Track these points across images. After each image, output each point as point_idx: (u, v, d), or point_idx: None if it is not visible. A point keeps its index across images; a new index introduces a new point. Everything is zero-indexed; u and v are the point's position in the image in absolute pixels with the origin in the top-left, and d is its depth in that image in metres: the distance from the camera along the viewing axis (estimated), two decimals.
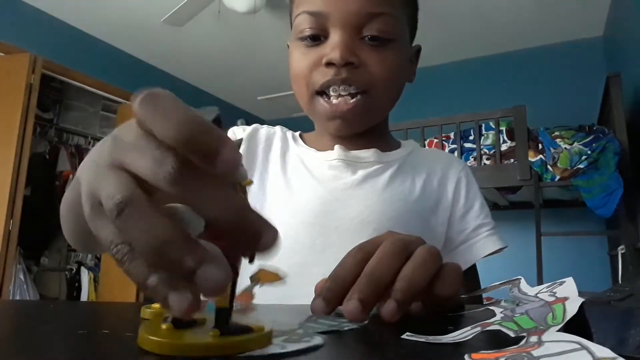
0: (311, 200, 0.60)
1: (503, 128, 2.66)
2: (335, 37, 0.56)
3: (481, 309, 0.32)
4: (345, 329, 0.28)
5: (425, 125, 2.83)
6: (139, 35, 3.71)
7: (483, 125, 2.73)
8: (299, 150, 0.67)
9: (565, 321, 0.21)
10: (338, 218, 0.58)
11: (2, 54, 3.06)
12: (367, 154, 0.63)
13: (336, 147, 0.63)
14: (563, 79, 3.59)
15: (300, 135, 0.70)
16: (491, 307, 0.30)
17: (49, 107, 3.87)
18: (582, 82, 3.47)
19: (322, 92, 0.58)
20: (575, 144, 2.44)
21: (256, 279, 0.33)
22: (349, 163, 0.62)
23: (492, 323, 0.25)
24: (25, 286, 3.03)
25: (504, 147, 2.64)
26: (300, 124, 0.74)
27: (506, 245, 0.64)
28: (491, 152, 2.67)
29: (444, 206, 0.64)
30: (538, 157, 2.51)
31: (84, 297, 3.57)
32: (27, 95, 2.92)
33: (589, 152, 2.38)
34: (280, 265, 0.49)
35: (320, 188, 0.61)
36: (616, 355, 0.16)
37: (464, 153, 2.73)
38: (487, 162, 2.66)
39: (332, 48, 0.56)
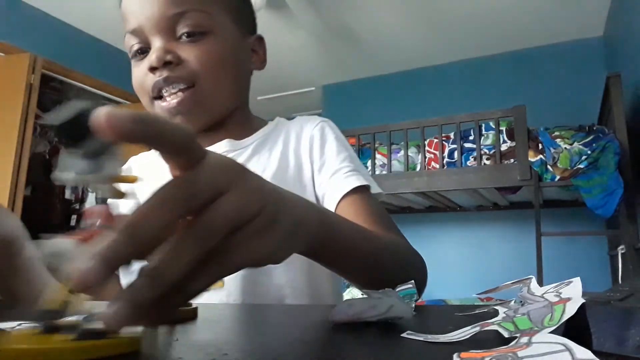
0: None
1: (503, 128, 2.66)
2: (154, 44, 0.61)
3: (486, 309, 0.32)
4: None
5: (425, 125, 2.83)
6: None
7: (483, 125, 2.73)
8: (158, 160, 0.70)
9: (560, 322, 0.21)
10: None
11: (2, 54, 3.07)
12: (219, 146, 0.66)
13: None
14: (563, 79, 3.59)
15: None
16: (496, 307, 0.30)
17: (49, 107, 3.87)
18: (582, 82, 3.47)
19: (159, 96, 0.62)
20: (575, 144, 2.44)
21: None
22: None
23: (492, 323, 0.25)
24: None
25: (504, 147, 2.64)
26: None
27: (367, 184, 0.62)
28: (491, 152, 2.67)
29: (305, 169, 0.66)
30: (538, 157, 2.51)
31: None
32: (27, 95, 2.92)
33: (589, 152, 2.38)
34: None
35: None
36: (595, 358, 0.16)
37: (464, 153, 2.73)
38: (487, 162, 2.66)
39: (151, 54, 0.61)
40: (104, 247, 0.20)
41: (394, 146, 2.92)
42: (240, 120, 0.71)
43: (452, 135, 2.82)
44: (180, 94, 0.61)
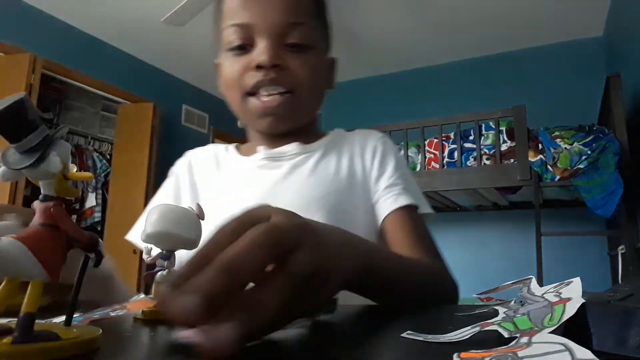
0: (246, 200, 0.64)
1: (503, 128, 2.66)
2: (262, 44, 0.62)
3: (486, 309, 0.32)
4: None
5: (425, 125, 2.83)
6: (139, 35, 3.71)
7: (483, 125, 2.73)
8: (231, 162, 0.74)
9: (560, 322, 0.21)
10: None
11: (2, 54, 3.07)
12: (290, 147, 0.69)
13: (260, 148, 0.69)
14: (563, 79, 3.59)
15: (238, 146, 0.78)
16: (496, 307, 0.30)
17: (49, 107, 3.87)
18: (582, 82, 3.48)
19: (253, 93, 0.64)
20: (575, 144, 2.44)
21: None
22: (274, 159, 0.69)
23: (492, 323, 0.25)
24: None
25: (504, 147, 2.64)
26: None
27: (415, 204, 0.64)
28: (491, 152, 2.67)
29: (365, 177, 0.68)
30: (538, 157, 2.51)
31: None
32: (27, 95, 2.92)
33: (589, 152, 2.38)
34: None
35: (253, 188, 0.67)
36: (595, 358, 0.16)
37: (464, 153, 2.73)
38: (487, 162, 2.66)
39: (261, 53, 0.61)
40: (206, 283, 0.21)
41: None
42: (310, 129, 0.75)
43: (452, 135, 2.82)
44: (278, 97, 0.63)
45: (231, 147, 0.77)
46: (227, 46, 0.65)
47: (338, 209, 0.63)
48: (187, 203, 0.71)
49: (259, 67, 0.61)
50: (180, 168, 0.77)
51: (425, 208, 0.67)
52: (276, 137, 0.69)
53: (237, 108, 0.68)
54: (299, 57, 0.63)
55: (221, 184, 0.71)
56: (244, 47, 0.63)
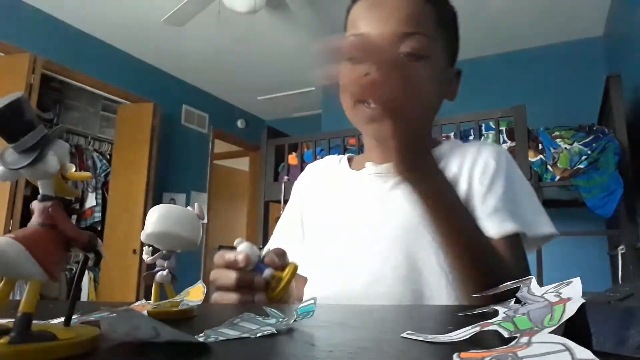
0: (352, 212, 0.71)
1: (503, 128, 2.66)
2: None
3: (486, 309, 0.32)
4: (258, 335, 0.27)
5: None
6: (139, 35, 3.71)
7: (483, 125, 2.73)
8: (341, 173, 0.79)
9: (560, 322, 0.21)
10: (374, 224, 0.68)
11: (2, 54, 3.07)
12: None
13: (367, 164, 0.73)
14: (563, 79, 3.59)
15: (350, 158, 0.82)
16: (496, 307, 0.30)
17: (49, 107, 3.87)
18: (582, 82, 3.47)
19: (362, 100, 0.66)
20: (575, 144, 2.44)
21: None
22: (380, 175, 0.72)
23: (492, 323, 0.25)
24: (25, 286, 3.03)
25: (504, 147, 2.64)
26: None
27: (520, 231, 0.64)
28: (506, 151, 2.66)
29: (470, 192, 0.68)
30: (538, 157, 2.51)
31: (84, 297, 3.58)
32: (27, 95, 2.92)
33: (589, 152, 2.38)
34: (335, 266, 0.67)
35: (358, 201, 0.72)
36: (595, 358, 0.16)
37: None
38: None
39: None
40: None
41: None
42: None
43: (452, 135, 2.82)
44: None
45: (344, 159, 0.82)
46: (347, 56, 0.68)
47: None
48: (301, 211, 0.79)
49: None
50: (297, 181, 0.85)
51: (542, 228, 0.67)
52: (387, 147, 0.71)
53: (349, 112, 0.71)
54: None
55: (329, 193, 0.77)
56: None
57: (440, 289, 0.63)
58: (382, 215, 0.68)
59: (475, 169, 0.70)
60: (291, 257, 0.73)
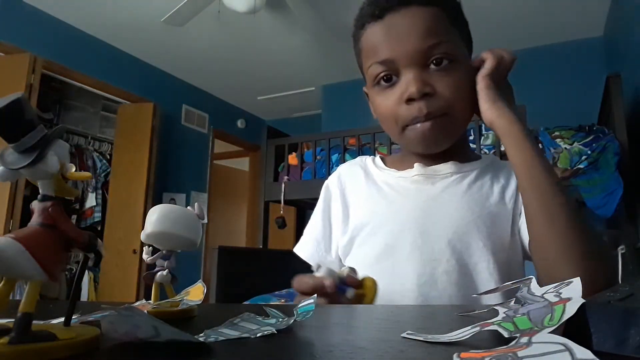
0: (399, 213, 0.70)
1: None
2: (408, 75, 0.64)
3: (486, 309, 0.32)
4: (258, 335, 0.27)
5: None
6: (139, 35, 3.71)
7: (483, 125, 2.73)
8: (381, 174, 0.78)
9: (560, 322, 0.21)
10: (422, 226, 0.67)
11: (2, 54, 3.07)
12: (445, 166, 0.71)
13: (416, 164, 0.72)
14: (563, 79, 3.59)
15: (383, 159, 0.82)
16: (496, 307, 0.30)
17: (49, 107, 3.87)
18: (582, 82, 3.47)
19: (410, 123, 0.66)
20: (575, 144, 2.44)
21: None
22: (428, 177, 0.71)
23: (492, 323, 0.25)
24: (25, 286, 3.03)
25: (504, 147, 2.64)
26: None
27: None
28: (491, 152, 2.66)
29: (517, 212, 0.68)
30: None
31: (84, 297, 3.57)
32: (27, 95, 2.92)
33: (589, 152, 2.38)
34: (384, 268, 0.67)
35: (405, 202, 0.71)
36: (595, 358, 0.16)
37: None
38: None
39: (408, 84, 0.63)
40: None
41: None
42: (463, 145, 0.77)
43: None
44: (435, 125, 0.64)
45: (377, 160, 0.81)
46: (373, 81, 0.68)
47: (491, 232, 0.66)
48: (337, 213, 0.77)
49: (409, 99, 0.63)
50: (331, 181, 0.82)
51: None
52: (428, 155, 0.72)
53: (396, 137, 0.71)
54: (446, 76, 0.64)
55: (374, 194, 0.75)
56: (390, 79, 0.66)
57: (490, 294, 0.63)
58: (433, 218, 0.68)
59: (509, 185, 0.71)
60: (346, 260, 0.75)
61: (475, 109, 0.67)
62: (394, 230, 0.69)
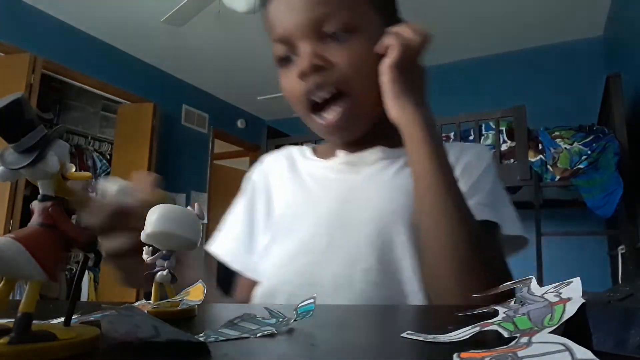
0: (316, 207, 0.64)
1: (503, 128, 2.66)
2: (302, 49, 0.59)
3: (486, 309, 0.32)
4: (258, 335, 0.27)
5: None
6: (139, 35, 3.71)
7: (483, 125, 2.73)
8: (307, 164, 0.71)
9: (560, 322, 0.21)
10: (340, 221, 0.61)
11: (2, 54, 3.07)
12: (371, 152, 0.65)
13: (340, 152, 0.67)
14: (563, 79, 3.59)
15: (315, 148, 0.75)
16: (496, 307, 0.30)
17: (49, 107, 3.87)
18: (582, 82, 3.48)
19: (315, 107, 0.60)
20: (575, 144, 2.44)
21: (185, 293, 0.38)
22: (353, 165, 0.65)
23: (492, 323, 0.25)
24: (25, 286, 3.03)
25: (504, 147, 2.64)
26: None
27: (497, 223, 0.58)
28: (492, 152, 2.67)
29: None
30: (538, 157, 2.51)
31: (84, 297, 3.58)
32: (27, 95, 2.92)
33: (589, 152, 2.38)
34: (297, 267, 0.59)
35: (324, 194, 0.65)
36: (595, 358, 0.16)
37: None
38: None
39: (301, 60, 0.59)
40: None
41: None
42: (392, 127, 0.68)
43: (452, 135, 2.82)
44: (337, 110, 0.59)
45: (307, 149, 0.74)
46: (277, 62, 0.64)
47: (408, 225, 0.58)
48: (261, 209, 0.70)
49: (302, 75, 0.58)
50: (255, 173, 0.75)
51: (516, 229, 0.60)
52: (356, 140, 0.65)
53: (306, 122, 0.65)
54: (344, 47, 0.58)
55: (295, 187, 0.69)
56: (290, 59, 0.61)
57: (414, 294, 0.57)
58: (352, 211, 0.61)
59: (456, 169, 0.63)
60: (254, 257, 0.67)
61: None
62: (310, 226, 0.62)
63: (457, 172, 0.59)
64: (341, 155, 0.66)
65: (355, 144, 0.65)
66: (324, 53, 0.58)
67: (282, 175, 0.71)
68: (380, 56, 0.58)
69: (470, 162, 0.63)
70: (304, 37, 0.58)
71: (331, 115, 0.59)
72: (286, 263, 0.61)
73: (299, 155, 0.73)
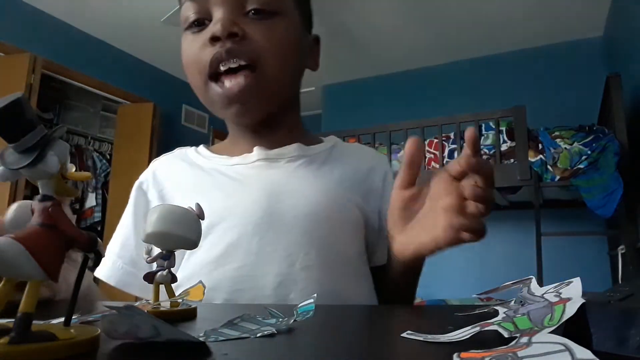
0: (240, 205, 0.59)
1: (503, 128, 2.66)
2: (217, 14, 0.56)
3: (486, 309, 0.32)
4: (258, 335, 0.27)
5: (425, 125, 2.83)
6: (139, 35, 3.71)
7: (483, 125, 2.73)
8: (210, 162, 0.66)
9: (560, 322, 0.21)
10: (270, 217, 0.57)
11: (2, 54, 3.07)
12: (291, 148, 0.64)
13: (255, 148, 0.63)
14: (563, 79, 3.59)
15: (212, 148, 0.70)
16: (496, 307, 0.30)
17: (49, 107, 3.87)
18: (582, 82, 3.47)
19: (215, 76, 0.58)
20: (575, 144, 2.44)
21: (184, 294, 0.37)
22: (272, 161, 0.63)
23: (492, 323, 0.25)
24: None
25: (504, 147, 2.64)
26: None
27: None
28: (491, 152, 2.67)
29: (375, 196, 0.65)
30: (538, 157, 2.51)
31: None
32: (27, 95, 2.92)
33: (589, 152, 2.38)
34: (227, 272, 0.55)
35: (246, 191, 0.60)
36: (595, 358, 0.16)
37: None
38: None
39: (215, 24, 0.56)
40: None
41: (394, 146, 2.92)
42: (299, 127, 0.69)
43: (452, 135, 2.82)
44: (241, 79, 0.56)
45: (203, 148, 0.70)
46: (184, 24, 0.60)
47: (343, 219, 0.61)
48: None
49: (214, 39, 0.55)
50: (145, 180, 0.67)
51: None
52: (261, 135, 0.64)
53: (201, 96, 0.61)
54: (262, 24, 0.57)
55: (201, 188, 0.63)
56: (202, 23, 0.58)
57: (358, 288, 0.59)
58: (283, 206, 0.58)
59: (374, 176, 0.67)
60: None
61: (298, 82, 0.64)
62: (236, 225, 0.57)
63: (376, 178, 0.66)
64: (258, 151, 0.62)
65: (267, 141, 0.63)
66: (240, 23, 0.56)
67: (182, 176, 0.65)
68: (297, 40, 0.60)
69: (387, 172, 0.69)
70: (223, 3, 0.56)
71: (233, 83, 0.56)
72: (211, 269, 0.56)
73: (196, 155, 0.68)
